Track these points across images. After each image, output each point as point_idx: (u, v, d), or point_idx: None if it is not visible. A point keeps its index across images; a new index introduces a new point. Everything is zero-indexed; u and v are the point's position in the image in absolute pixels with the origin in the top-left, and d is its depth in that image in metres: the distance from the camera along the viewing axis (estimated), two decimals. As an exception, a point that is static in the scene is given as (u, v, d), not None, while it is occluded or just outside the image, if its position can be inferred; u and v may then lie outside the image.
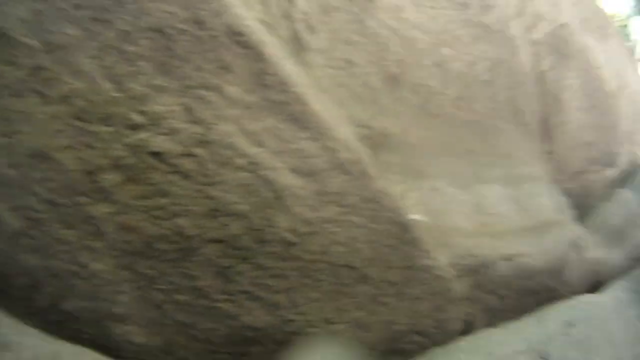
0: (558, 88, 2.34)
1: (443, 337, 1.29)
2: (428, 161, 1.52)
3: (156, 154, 0.71)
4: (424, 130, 1.60)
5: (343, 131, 1.01)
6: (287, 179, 0.81)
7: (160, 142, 0.71)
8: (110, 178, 0.70)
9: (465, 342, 1.36)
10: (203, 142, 0.73)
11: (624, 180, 3.04)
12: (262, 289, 0.80)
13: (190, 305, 0.75)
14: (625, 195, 2.82)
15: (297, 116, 0.86)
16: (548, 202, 1.92)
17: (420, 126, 1.60)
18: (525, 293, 1.62)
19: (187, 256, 0.73)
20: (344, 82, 1.18)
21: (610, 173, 2.90)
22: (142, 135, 0.70)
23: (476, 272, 1.42)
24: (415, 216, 1.29)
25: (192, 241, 0.73)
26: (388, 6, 1.42)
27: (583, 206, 2.65)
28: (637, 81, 3.30)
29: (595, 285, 2.22)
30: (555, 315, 1.56)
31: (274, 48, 0.87)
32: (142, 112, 0.71)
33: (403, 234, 1.17)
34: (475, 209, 1.53)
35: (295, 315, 0.86)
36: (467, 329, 1.43)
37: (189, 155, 0.72)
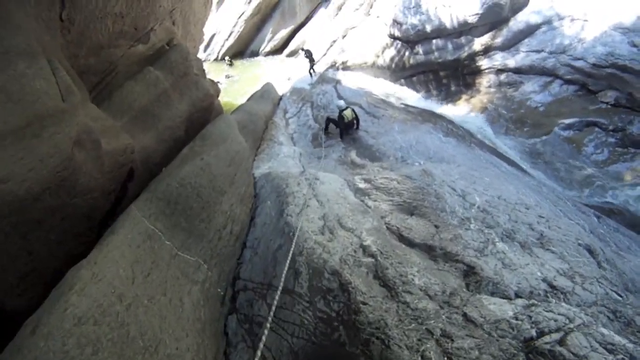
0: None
1: None
2: None
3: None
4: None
5: None
6: None
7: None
8: None
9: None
10: None
11: (155, 58, 2.67)
12: None
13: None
14: (155, 74, 2.51)
15: None
16: (48, 86, 1.39)
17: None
18: (25, 230, 1.26)
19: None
20: None
21: (141, 50, 2.58)
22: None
23: None
24: None
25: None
26: None
27: (106, 85, 2.26)
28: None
29: (130, 175, 1.94)
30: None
31: None
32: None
33: None
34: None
35: None
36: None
37: None
